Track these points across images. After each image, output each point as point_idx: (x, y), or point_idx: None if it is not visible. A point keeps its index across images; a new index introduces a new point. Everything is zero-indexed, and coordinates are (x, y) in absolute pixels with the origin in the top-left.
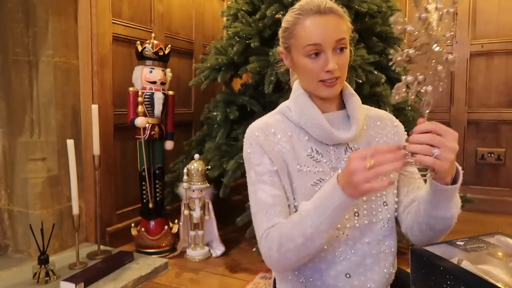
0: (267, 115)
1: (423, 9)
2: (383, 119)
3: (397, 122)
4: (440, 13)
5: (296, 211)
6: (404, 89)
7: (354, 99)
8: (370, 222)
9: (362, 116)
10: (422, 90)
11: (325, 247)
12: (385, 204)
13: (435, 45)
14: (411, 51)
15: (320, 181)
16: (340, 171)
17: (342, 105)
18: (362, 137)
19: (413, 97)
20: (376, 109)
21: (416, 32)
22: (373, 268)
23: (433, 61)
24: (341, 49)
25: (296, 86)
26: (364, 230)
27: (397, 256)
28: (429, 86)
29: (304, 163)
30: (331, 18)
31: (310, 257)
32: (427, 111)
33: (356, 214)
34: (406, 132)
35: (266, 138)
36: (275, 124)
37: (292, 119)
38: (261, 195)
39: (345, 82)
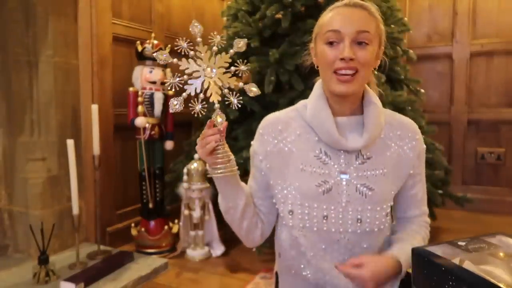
0: (286, 109)
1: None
2: (405, 129)
3: (419, 135)
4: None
5: (291, 210)
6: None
7: (372, 107)
8: (372, 230)
9: (379, 125)
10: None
11: (323, 246)
12: (387, 215)
13: (208, 69)
14: (185, 76)
15: (325, 183)
16: (348, 176)
17: (361, 111)
18: (377, 145)
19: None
20: (403, 118)
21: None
22: None
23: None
24: (362, 43)
25: (317, 84)
26: (364, 236)
27: None
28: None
29: (310, 163)
30: (357, 11)
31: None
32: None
33: (359, 221)
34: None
35: (266, 138)
36: (285, 121)
37: (306, 118)
38: (249, 179)
39: (368, 88)
